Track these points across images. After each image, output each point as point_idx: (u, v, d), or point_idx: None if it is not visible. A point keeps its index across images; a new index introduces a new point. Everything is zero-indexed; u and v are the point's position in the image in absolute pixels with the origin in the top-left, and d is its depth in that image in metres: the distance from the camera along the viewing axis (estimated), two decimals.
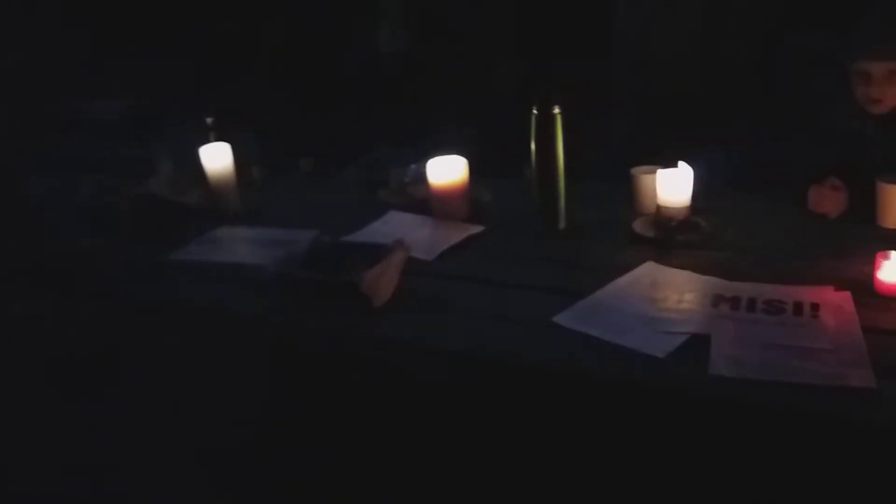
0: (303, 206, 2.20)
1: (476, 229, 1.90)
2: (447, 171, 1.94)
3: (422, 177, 2.02)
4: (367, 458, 1.63)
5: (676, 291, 1.52)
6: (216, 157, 2.12)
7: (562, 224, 1.85)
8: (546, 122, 1.77)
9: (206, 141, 2.17)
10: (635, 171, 1.90)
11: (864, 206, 1.74)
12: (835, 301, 1.41)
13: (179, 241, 1.97)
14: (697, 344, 1.33)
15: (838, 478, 1.16)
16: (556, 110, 1.76)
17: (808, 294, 1.44)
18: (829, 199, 1.76)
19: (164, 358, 1.78)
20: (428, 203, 2.01)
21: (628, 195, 1.93)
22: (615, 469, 1.33)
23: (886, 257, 1.42)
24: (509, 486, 1.47)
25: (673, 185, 1.74)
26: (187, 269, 1.84)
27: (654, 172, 1.80)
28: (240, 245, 1.94)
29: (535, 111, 1.77)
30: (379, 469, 1.63)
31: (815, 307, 1.40)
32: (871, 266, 1.45)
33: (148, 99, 3.37)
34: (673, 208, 1.74)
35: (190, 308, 1.71)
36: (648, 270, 1.62)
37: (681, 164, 1.74)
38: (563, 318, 1.45)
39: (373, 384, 1.55)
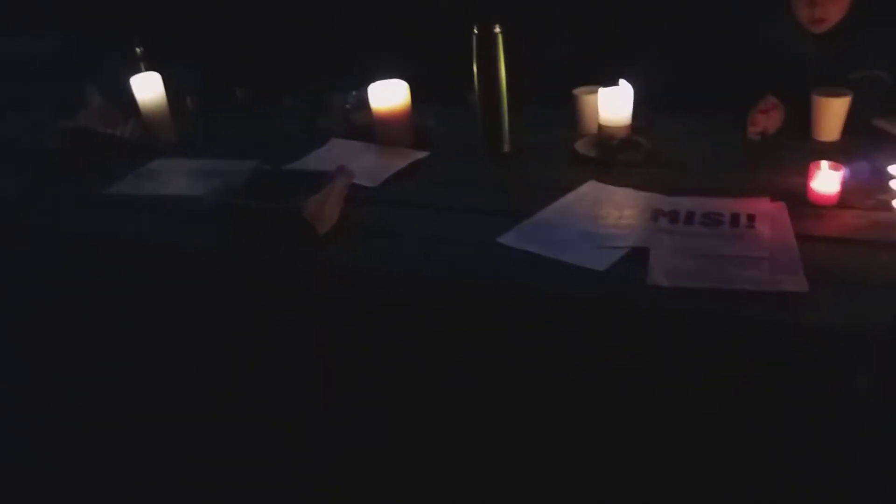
0: (241, 136, 2.14)
1: (420, 155, 1.88)
2: (389, 95, 1.90)
3: (363, 103, 1.98)
4: (316, 382, 1.64)
5: (617, 208, 1.54)
6: (148, 88, 2.04)
7: (506, 147, 1.84)
8: (487, 42, 1.74)
9: (137, 72, 2.09)
10: (578, 91, 1.89)
11: (801, 122, 1.76)
12: (770, 211, 1.44)
13: (114, 176, 1.90)
14: (637, 257, 1.35)
15: (773, 377, 1.20)
16: (497, 29, 1.73)
17: (744, 206, 1.47)
18: (766, 119, 1.78)
19: (110, 295, 1.75)
20: (371, 130, 1.98)
21: (571, 117, 1.93)
22: (560, 381, 1.36)
23: (819, 167, 1.45)
24: (456, 403, 1.50)
25: (614, 104, 1.74)
26: (125, 203, 1.78)
27: (596, 92, 1.79)
28: (178, 177, 1.88)
29: (475, 31, 1.73)
30: (326, 391, 1.64)
31: (751, 218, 1.43)
32: (806, 177, 1.49)
33: (76, 32, 3.20)
34: (614, 127, 1.74)
35: (133, 243, 1.66)
36: (591, 189, 1.63)
37: (622, 82, 1.74)
38: (507, 238, 1.46)
39: (321, 310, 1.55)
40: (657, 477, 1.39)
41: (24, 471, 1.86)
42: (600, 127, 1.77)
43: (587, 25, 2.31)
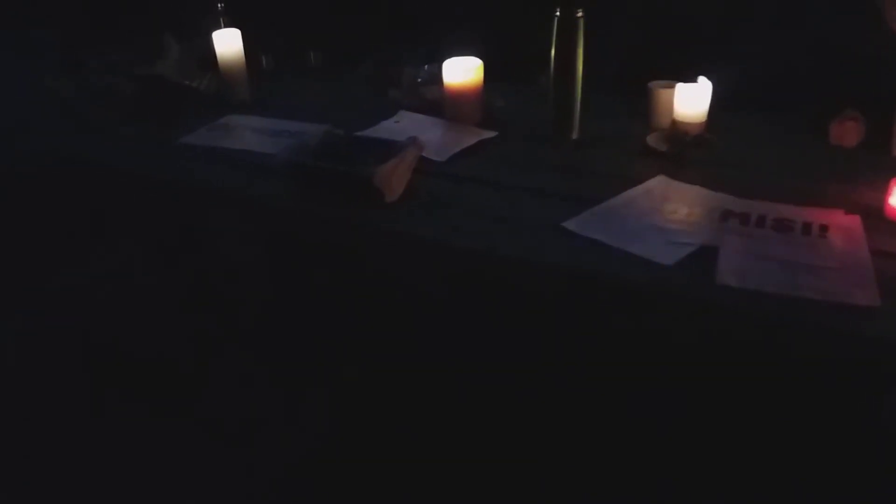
0: (313, 99, 2.18)
1: (488, 134, 1.89)
2: (462, 72, 1.91)
3: (435, 77, 1.99)
4: (370, 342, 1.66)
5: (687, 205, 1.53)
6: (228, 43, 2.07)
7: (575, 134, 1.84)
8: (568, 26, 1.73)
9: (216, 26, 2.12)
10: (653, 84, 1.88)
11: (880, 134, 1.73)
12: (844, 223, 1.42)
13: (187, 126, 1.94)
14: (705, 256, 1.34)
15: (837, 388, 1.19)
16: (580, 14, 1.71)
17: (817, 215, 1.45)
18: (849, 132, 1.75)
19: (174, 237, 1.80)
20: (440, 105, 1.99)
21: (642, 109, 1.92)
22: (618, 368, 1.36)
23: None
24: (508, 376, 1.51)
25: (690, 100, 1.72)
26: (197, 153, 1.82)
27: (672, 87, 1.78)
28: (250, 133, 1.92)
29: (557, 14, 1.72)
30: (382, 351, 1.66)
31: (823, 228, 1.41)
32: (883, 193, 1.46)
33: None
34: (688, 123, 1.73)
35: (202, 190, 1.70)
36: (660, 183, 1.62)
37: (700, 79, 1.72)
38: (572, 224, 1.46)
39: (380, 276, 1.57)
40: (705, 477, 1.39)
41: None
42: (674, 121, 1.75)
43: (653, 16, 2.28)
